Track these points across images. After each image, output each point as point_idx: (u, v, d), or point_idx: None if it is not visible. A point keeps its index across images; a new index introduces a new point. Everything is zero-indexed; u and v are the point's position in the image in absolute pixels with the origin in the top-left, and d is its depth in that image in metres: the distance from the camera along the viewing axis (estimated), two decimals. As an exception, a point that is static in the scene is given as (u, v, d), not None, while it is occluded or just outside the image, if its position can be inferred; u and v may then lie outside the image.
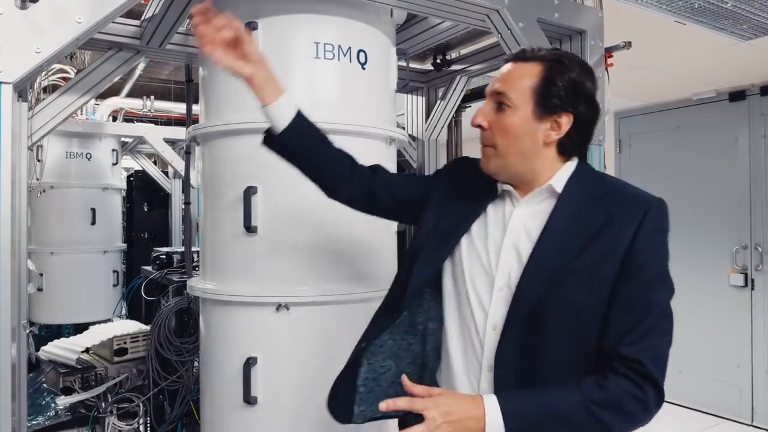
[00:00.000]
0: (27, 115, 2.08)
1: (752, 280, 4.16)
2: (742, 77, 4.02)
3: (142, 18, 2.27)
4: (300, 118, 1.35)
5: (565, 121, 1.19)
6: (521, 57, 1.23)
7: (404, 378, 1.09)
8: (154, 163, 5.93)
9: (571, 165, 1.25)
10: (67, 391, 2.73)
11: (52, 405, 2.75)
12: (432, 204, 1.36)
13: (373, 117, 2.01)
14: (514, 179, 1.24)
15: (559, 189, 1.21)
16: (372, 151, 2.00)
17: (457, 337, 1.27)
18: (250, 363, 1.85)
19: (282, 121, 1.34)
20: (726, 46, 3.24)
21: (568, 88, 1.18)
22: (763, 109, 4.10)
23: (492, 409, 1.05)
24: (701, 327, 4.41)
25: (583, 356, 1.15)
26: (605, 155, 2.34)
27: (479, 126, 1.23)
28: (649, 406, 1.09)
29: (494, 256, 1.22)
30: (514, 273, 1.19)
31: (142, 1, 2.01)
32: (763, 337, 4.11)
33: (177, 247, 4.56)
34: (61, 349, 2.93)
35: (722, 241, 4.29)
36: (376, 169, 1.48)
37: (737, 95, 4.22)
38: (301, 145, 1.38)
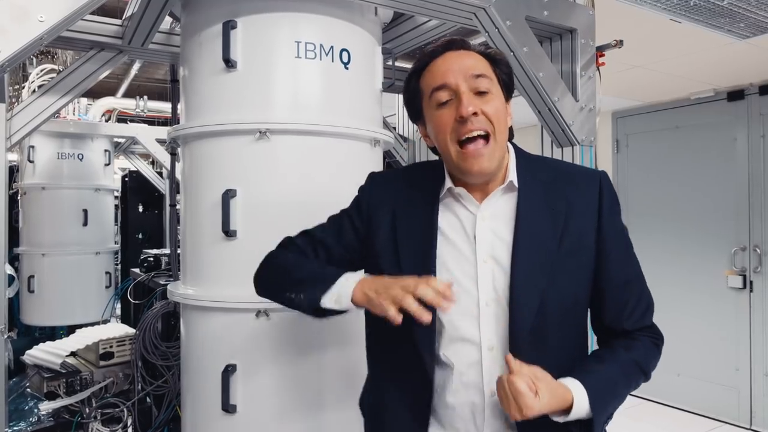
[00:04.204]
0: (5, 116, 2.04)
1: (751, 282, 4.10)
2: (740, 76, 3.96)
3: (123, 17, 2.23)
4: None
5: (510, 109, 1.20)
6: (462, 45, 1.18)
7: (509, 357, 1.04)
8: (152, 163, 5.89)
9: (512, 150, 1.21)
10: (51, 396, 2.69)
11: (35, 410, 2.71)
12: (377, 238, 1.22)
13: (356, 118, 1.96)
14: (490, 175, 1.15)
15: (516, 182, 1.17)
16: (356, 153, 1.96)
17: (443, 366, 1.16)
18: (229, 370, 1.81)
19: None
20: (724, 45, 3.18)
21: (511, 72, 1.20)
22: (762, 109, 4.05)
23: (578, 390, 1.07)
24: (699, 329, 4.36)
25: (578, 341, 1.21)
26: (597, 156, 2.28)
27: (474, 114, 1.09)
28: (661, 347, 1.22)
29: (471, 272, 1.14)
30: (499, 285, 1.13)
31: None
32: (761, 340, 4.05)
33: (166, 249, 4.53)
34: (46, 353, 2.89)
35: (720, 243, 4.23)
36: (313, 240, 1.30)
37: (736, 95, 4.16)
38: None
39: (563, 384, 1.06)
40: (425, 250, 1.16)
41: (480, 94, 1.12)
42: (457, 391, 1.14)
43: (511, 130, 1.20)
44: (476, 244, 1.15)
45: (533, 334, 1.11)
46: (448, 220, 1.18)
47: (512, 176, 1.17)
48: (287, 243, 1.34)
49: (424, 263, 1.15)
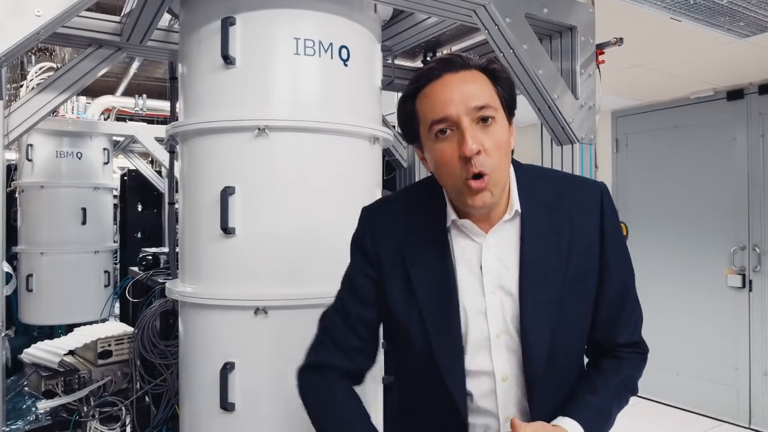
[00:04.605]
0: (3, 113, 2.03)
1: (750, 282, 4.10)
2: (740, 75, 3.95)
3: (122, 14, 2.22)
4: None
5: (512, 128, 1.13)
6: (461, 65, 1.08)
7: (515, 420, 1.01)
8: (151, 162, 5.88)
9: (511, 172, 1.14)
10: (49, 394, 2.69)
11: (33, 409, 2.70)
12: (388, 281, 1.16)
13: (356, 115, 1.95)
14: (493, 206, 1.10)
15: (519, 207, 1.12)
16: (355, 151, 1.95)
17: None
18: (227, 368, 1.80)
19: None
20: (723, 44, 3.18)
21: (513, 89, 1.13)
22: (762, 108, 4.05)
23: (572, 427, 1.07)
24: (698, 329, 4.36)
25: (581, 361, 1.22)
26: (596, 155, 2.28)
27: (478, 152, 1.03)
28: (646, 360, 1.22)
29: (479, 304, 1.11)
30: (508, 315, 1.10)
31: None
32: (761, 339, 4.05)
33: (165, 248, 4.52)
34: (44, 351, 2.88)
35: (720, 242, 4.23)
36: (347, 321, 1.21)
37: (735, 94, 4.16)
38: None
39: (562, 427, 1.06)
40: (446, 288, 1.11)
41: (483, 121, 1.05)
42: (475, 413, 1.14)
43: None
44: (483, 275, 1.11)
45: (547, 362, 1.09)
46: (456, 251, 1.14)
47: (516, 205, 1.12)
48: (324, 346, 1.23)
49: (446, 302, 1.11)
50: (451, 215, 1.13)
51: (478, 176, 1.03)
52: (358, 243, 1.22)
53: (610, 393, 1.14)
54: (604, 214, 1.14)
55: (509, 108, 1.11)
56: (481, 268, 1.11)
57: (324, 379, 1.20)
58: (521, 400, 1.12)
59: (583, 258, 1.12)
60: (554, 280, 1.10)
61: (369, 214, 1.24)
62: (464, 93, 1.04)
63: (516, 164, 1.18)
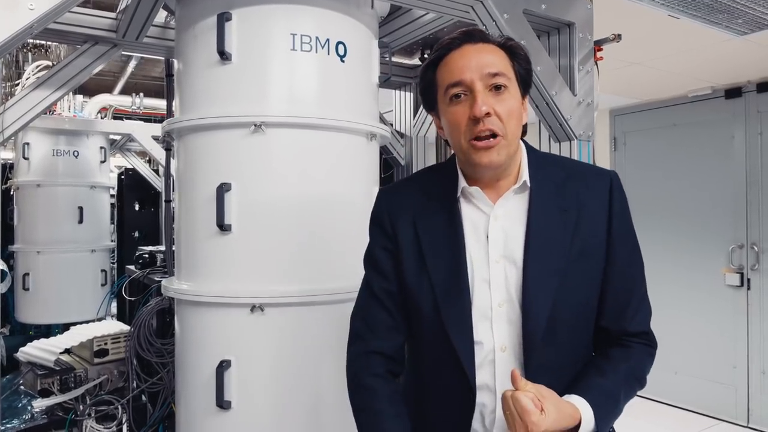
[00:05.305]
0: (-3, 109, 2.02)
1: (748, 280, 4.10)
2: (738, 73, 3.95)
3: (117, 10, 2.21)
4: None
5: (526, 103, 1.18)
6: (481, 38, 1.15)
7: (515, 372, 1.01)
8: (148, 161, 5.86)
9: (523, 148, 1.20)
10: (45, 393, 2.67)
11: (29, 408, 2.69)
12: (403, 251, 1.19)
13: (352, 111, 1.95)
14: (501, 172, 1.15)
15: (529, 182, 1.16)
16: (352, 147, 1.94)
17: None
18: (223, 366, 1.79)
19: None
20: (721, 42, 3.17)
21: (529, 66, 1.18)
22: (760, 106, 4.04)
23: (584, 407, 1.06)
24: (697, 327, 4.35)
25: (587, 344, 1.20)
26: (594, 152, 2.27)
27: (487, 114, 1.08)
28: (654, 354, 1.20)
29: (483, 272, 1.13)
30: (511, 285, 1.12)
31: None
32: (759, 338, 4.05)
33: (161, 246, 4.50)
34: (40, 350, 2.87)
35: (718, 240, 4.22)
36: (376, 299, 1.24)
37: (733, 92, 4.15)
38: None
39: (570, 402, 1.04)
40: (454, 256, 1.14)
41: (495, 89, 1.10)
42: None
43: (524, 127, 1.19)
44: (489, 244, 1.14)
45: (546, 334, 1.10)
46: (465, 220, 1.17)
47: (525, 176, 1.16)
48: (366, 330, 1.23)
49: (454, 270, 1.13)
50: (462, 183, 1.17)
51: (486, 137, 1.09)
52: (375, 220, 1.27)
53: (619, 378, 1.13)
54: (613, 199, 1.17)
55: (524, 83, 1.17)
56: (487, 237, 1.14)
57: (369, 381, 1.20)
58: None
59: (588, 237, 1.14)
60: (559, 252, 1.12)
61: (385, 192, 1.30)
62: (480, 60, 1.11)
63: (529, 146, 1.22)
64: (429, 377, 1.20)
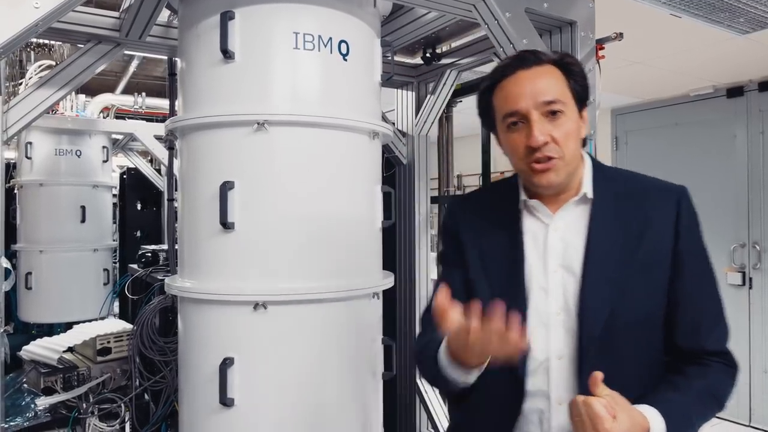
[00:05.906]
0: (1, 108, 2.03)
1: (750, 279, 4.10)
2: (739, 73, 3.95)
3: (120, 9, 2.21)
4: None
5: (585, 115, 1.20)
6: (534, 61, 1.16)
7: (596, 375, 0.99)
8: (150, 161, 5.86)
9: (587, 161, 1.22)
10: (48, 391, 2.68)
11: (32, 406, 2.69)
12: (468, 259, 1.25)
13: (355, 110, 1.95)
14: (562, 188, 1.18)
15: (591, 194, 1.18)
16: (354, 145, 1.95)
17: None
18: (226, 364, 1.79)
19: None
20: (723, 41, 3.18)
21: (585, 81, 1.20)
22: (762, 105, 4.04)
23: (656, 418, 1.04)
24: (698, 326, 4.35)
25: (653, 361, 1.17)
26: (597, 152, 2.27)
27: (545, 143, 1.11)
28: (736, 377, 1.18)
29: (542, 281, 1.16)
30: (569, 294, 1.14)
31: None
32: (761, 337, 4.05)
33: (164, 245, 4.51)
34: (43, 348, 2.88)
35: (720, 240, 4.23)
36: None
37: (735, 91, 4.16)
38: None
39: (641, 411, 1.03)
40: (513, 263, 1.18)
41: (551, 114, 1.13)
42: (526, 397, 1.15)
43: (584, 140, 1.22)
44: (547, 253, 1.17)
45: (602, 344, 1.11)
46: (525, 232, 1.21)
47: (586, 188, 1.18)
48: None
49: (512, 277, 1.17)
50: (522, 196, 1.22)
51: (544, 160, 1.12)
52: (444, 226, 1.36)
53: (693, 393, 1.11)
54: (681, 215, 1.17)
55: (581, 100, 1.19)
56: (546, 247, 1.18)
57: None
58: (573, 382, 1.12)
59: (651, 251, 1.14)
60: (618, 263, 1.13)
61: (453, 201, 1.41)
62: (534, 88, 1.13)
63: (595, 160, 1.25)
64: (478, 379, 1.20)
